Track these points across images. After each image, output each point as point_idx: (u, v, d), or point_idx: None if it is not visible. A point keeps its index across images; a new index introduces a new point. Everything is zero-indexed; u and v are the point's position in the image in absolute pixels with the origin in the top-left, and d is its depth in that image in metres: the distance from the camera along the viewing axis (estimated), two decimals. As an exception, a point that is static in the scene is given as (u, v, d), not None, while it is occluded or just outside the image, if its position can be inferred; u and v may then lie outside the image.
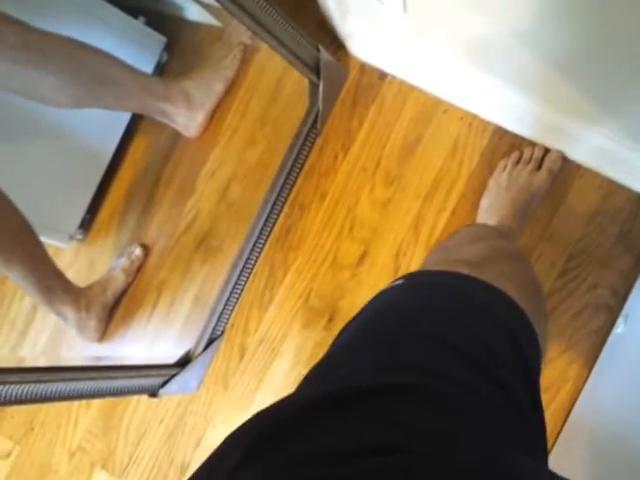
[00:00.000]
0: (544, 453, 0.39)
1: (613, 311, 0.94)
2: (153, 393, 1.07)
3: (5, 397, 0.74)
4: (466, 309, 0.44)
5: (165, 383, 1.07)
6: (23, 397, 0.76)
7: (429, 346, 0.38)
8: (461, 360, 0.37)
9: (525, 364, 0.41)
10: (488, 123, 0.99)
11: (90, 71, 1.01)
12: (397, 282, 0.50)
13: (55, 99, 1.00)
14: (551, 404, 0.95)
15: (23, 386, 0.76)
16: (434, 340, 0.39)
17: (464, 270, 0.49)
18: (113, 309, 1.24)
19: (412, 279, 0.51)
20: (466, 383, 0.35)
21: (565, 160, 0.95)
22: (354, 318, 0.48)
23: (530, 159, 0.95)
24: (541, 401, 0.42)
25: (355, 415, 0.30)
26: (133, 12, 1.19)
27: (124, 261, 1.23)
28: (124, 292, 1.24)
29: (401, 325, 0.42)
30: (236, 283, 1.09)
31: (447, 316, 0.43)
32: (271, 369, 1.13)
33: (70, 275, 1.15)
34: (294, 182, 1.08)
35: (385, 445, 0.28)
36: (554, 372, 0.95)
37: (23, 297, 1.37)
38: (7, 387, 0.73)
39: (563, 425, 0.94)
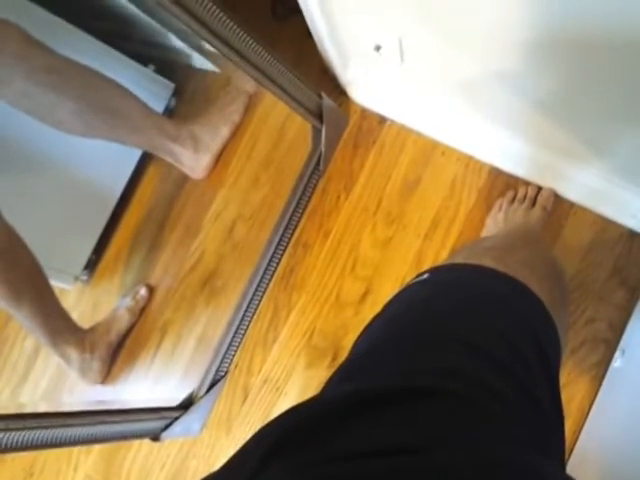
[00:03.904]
0: (563, 457, 0.40)
1: (611, 344, 0.95)
2: (155, 437, 1.06)
3: (5, 444, 0.73)
4: (490, 308, 0.45)
5: (167, 426, 1.06)
6: (24, 444, 0.75)
7: (454, 349, 0.39)
8: (487, 364, 0.38)
9: (547, 364, 0.42)
10: (484, 164, 1.04)
11: (107, 101, 1.04)
12: (422, 277, 0.51)
13: (70, 124, 1.03)
14: (554, 439, 0.95)
15: (24, 433, 0.75)
16: (458, 343, 0.40)
17: (488, 262, 0.49)
18: (116, 351, 1.24)
19: (437, 274, 0.51)
20: (491, 387, 0.36)
21: (558, 198, 0.99)
22: (377, 317, 0.48)
23: (524, 197, 0.99)
24: (561, 401, 0.42)
25: (375, 418, 0.31)
26: (143, 60, 1.25)
27: (129, 301, 1.24)
28: (128, 332, 1.24)
29: (425, 327, 0.43)
30: (240, 323, 1.10)
31: (472, 317, 0.43)
32: (275, 410, 1.12)
33: (74, 317, 1.16)
34: (298, 222, 1.11)
35: (404, 446, 0.28)
36: (556, 407, 0.95)
37: (25, 339, 1.37)
38: (7, 434, 0.73)
39: (567, 461, 0.94)
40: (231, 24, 0.73)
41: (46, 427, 0.79)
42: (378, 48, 0.89)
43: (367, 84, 1.08)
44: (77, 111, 1.01)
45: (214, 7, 0.69)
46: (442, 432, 0.30)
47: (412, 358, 0.39)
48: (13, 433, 0.73)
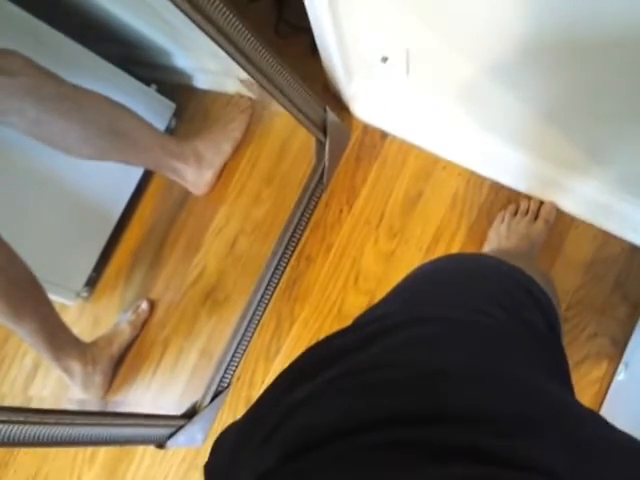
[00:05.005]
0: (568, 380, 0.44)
1: (613, 360, 0.95)
2: (160, 444, 1.07)
3: (8, 438, 0.72)
4: (484, 272, 0.52)
5: (172, 435, 1.06)
6: (30, 439, 0.74)
7: (459, 294, 0.46)
8: (487, 301, 0.43)
9: (539, 301, 0.48)
10: (485, 178, 1.04)
11: (115, 124, 1.06)
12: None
13: (80, 149, 1.05)
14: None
15: (30, 427, 0.74)
16: (456, 292, 0.46)
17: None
18: (118, 365, 1.25)
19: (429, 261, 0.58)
20: (492, 316, 0.41)
21: (560, 212, 0.99)
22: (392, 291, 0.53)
23: (527, 211, 1.00)
24: (560, 331, 0.48)
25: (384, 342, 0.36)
26: (146, 80, 1.27)
27: (130, 315, 1.24)
28: (130, 346, 1.25)
29: (427, 285, 0.50)
30: (243, 335, 1.11)
31: (471, 280, 0.50)
32: (277, 422, 1.12)
33: (74, 333, 1.16)
34: (301, 235, 1.12)
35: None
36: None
37: (24, 357, 1.37)
38: (10, 427, 0.71)
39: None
40: (249, 35, 0.75)
41: (53, 424, 0.78)
42: (385, 59, 0.90)
43: (370, 99, 1.09)
44: (86, 136, 1.03)
45: (231, 15, 0.70)
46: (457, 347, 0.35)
47: (424, 301, 0.45)
48: (17, 427, 0.72)
